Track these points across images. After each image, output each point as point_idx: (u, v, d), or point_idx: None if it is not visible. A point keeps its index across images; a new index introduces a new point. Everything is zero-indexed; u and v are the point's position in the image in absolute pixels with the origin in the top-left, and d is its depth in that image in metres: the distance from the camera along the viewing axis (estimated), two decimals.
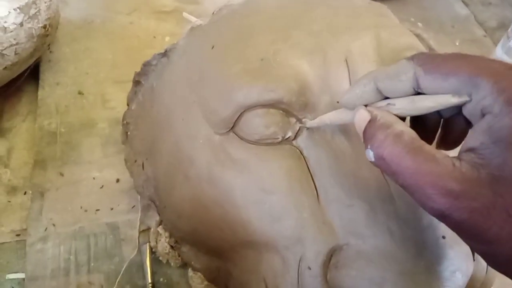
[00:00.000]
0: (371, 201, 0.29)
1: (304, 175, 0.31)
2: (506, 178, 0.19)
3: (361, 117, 0.23)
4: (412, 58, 0.23)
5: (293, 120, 0.31)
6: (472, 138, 0.20)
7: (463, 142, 0.21)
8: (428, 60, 0.22)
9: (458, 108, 0.22)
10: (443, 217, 0.20)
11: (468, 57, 0.21)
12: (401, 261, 0.27)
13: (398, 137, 0.21)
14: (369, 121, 0.22)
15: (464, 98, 0.21)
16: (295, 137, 0.32)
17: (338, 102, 0.30)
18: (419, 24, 0.64)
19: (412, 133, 0.21)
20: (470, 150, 0.20)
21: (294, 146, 0.31)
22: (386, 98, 0.24)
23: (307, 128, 0.31)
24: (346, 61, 0.32)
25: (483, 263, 0.31)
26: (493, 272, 0.32)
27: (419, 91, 0.22)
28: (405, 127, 0.21)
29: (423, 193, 0.20)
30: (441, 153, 0.20)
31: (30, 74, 0.53)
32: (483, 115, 0.20)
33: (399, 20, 0.39)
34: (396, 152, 0.20)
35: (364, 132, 0.23)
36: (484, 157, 0.19)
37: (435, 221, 0.29)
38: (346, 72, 0.31)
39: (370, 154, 0.22)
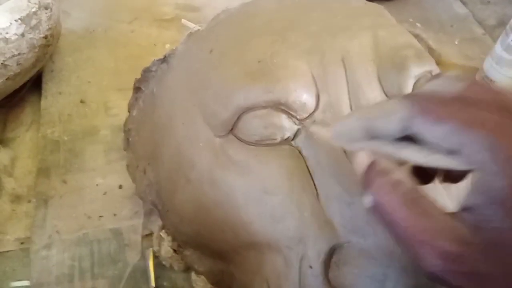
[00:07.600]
0: None
1: (304, 174, 0.31)
2: (506, 245, 0.18)
3: (361, 160, 0.22)
4: (406, 97, 0.21)
5: (291, 120, 0.31)
6: (470, 196, 0.19)
7: (461, 198, 0.20)
8: (422, 101, 0.20)
9: None
10: (437, 279, 0.19)
11: (465, 100, 0.20)
12: (403, 258, 0.27)
13: (395, 186, 0.20)
14: (369, 166, 0.21)
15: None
16: (294, 137, 0.32)
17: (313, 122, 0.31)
18: (418, 24, 0.65)
19: (411, 183, 0.20)
20: (468, 209, 0.19)
21: (293, 146, 0.32)
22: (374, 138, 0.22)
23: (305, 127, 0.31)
24: (343, 60, 0.32)
25: None
26: None
27: (409, 133, 0.21)
28: (404, 176, 0.20)
29: (417, 251, 0.19)
30: (439, 208, 0.19)
31: (33, 84, 0.54)
32: (478, 168, 0.19)
33: (398, 21, 0.39)
34: (392, 202, 0.19)
35: (363, 176, 0.22)
36: (483, 219, 0.18)
37: None
38: (343, 72, 0.32)
39: (367, 200, 0.21)
